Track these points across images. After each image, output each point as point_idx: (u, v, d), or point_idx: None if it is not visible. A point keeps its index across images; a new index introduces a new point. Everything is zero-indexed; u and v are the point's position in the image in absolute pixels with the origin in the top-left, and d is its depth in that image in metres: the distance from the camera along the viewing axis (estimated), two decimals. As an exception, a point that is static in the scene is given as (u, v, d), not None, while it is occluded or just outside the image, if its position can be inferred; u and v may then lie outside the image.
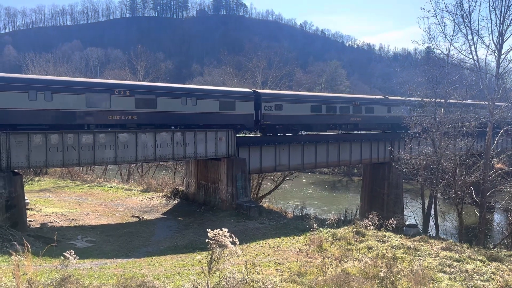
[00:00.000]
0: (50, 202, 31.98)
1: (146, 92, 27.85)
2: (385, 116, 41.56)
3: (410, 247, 20.56)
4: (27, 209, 25.63)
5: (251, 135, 37.96)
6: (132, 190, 38.31)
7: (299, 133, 36.54)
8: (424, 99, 34.78)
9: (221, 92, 32.54)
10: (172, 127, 29.03)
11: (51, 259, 15.37)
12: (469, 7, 30.15)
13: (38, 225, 23.97)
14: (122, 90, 26.58)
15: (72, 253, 10.55)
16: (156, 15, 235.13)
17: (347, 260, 17.69)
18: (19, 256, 9.87)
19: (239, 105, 31.58)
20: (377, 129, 43.15)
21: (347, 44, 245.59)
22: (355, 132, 41.78)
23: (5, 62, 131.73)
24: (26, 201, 25.14)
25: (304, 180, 66.39)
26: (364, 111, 39.91)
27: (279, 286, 13.51)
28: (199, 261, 16.19)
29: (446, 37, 31.49)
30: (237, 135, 32.09)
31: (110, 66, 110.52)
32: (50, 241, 18.24)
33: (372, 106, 40.99)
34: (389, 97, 43.63)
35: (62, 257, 10.72)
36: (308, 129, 37.78)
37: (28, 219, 24.20)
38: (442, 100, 34.02)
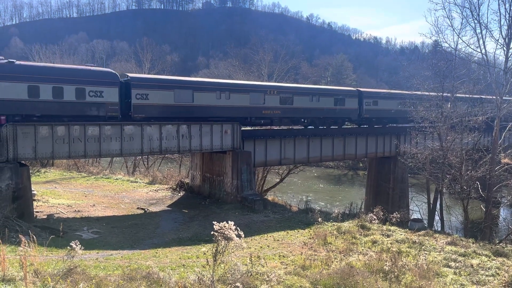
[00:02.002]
0: (56, 193, 32.21)
1: (287, 91, 34.33)
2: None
3: (415, 241, 20.52)
4: (34, 200, 25.83)
5: (256, 128, 37.95)
6: (137, 182, 38.49)
7: (388, 126, 40.30)
8: (431, 93, 34.52)
9: (335, 90, 38.93)
10: (303, 120, 36.27)
11: (58, 250, 15.52)
12: (478, 0, 29.80)
13: (45, 216, 24.17)
14: (271, 90, 33.37)
15: (78, 244, 10.62)
16: (162, 8, 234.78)
17: (352, 254, 17.69)
18: (26, 247, 9.95)
19: (348, 102, 37.63)
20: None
21: (354, 38, 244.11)
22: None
23: (12, 53, 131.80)
24: (32, 192, 25.32)
25: (309, 174, 66.35)
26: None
27: (283, 279, 13.54)
28: (204, 253, 16.26)
29: (454, 31, 31.21)
30: (242, 128, 32.10)
31: (116, 58, 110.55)
32: (57, 232, 18.40)
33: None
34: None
35: (68, 248, 10.80)
36: (393, 122, 42.50)
37: (34, 210, 24.41)
38: (449, 94, 33.75)
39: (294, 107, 34.26)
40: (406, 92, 34.10)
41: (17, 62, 24.18)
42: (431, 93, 34.54)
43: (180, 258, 16.66)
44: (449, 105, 33.48)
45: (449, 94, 33.74)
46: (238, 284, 11.16)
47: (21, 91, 23.22)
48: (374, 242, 20.04)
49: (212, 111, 30.10)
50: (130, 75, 29.25)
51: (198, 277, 11.20)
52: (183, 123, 28.55)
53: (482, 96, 39.95)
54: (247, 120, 32.58)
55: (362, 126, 40.64)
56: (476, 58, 32.05)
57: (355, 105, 38.86)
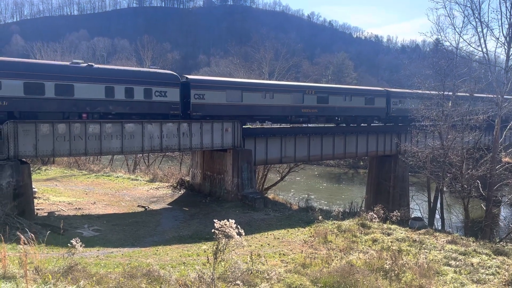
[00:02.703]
0: (57, 191, 32.24)
1: (323, 91, 36.79)
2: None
3: (416, 240, 20.52)
4: (35, 197, 25.87)
5: (257, 127, 37.99)
6: (138, 180, 38.50)
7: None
8: (432, 91, 34.49)
9: (366, 90, 41.08)
10: (337, 118, 38.30)
11: (58, 248, 15.53)
12: (479, -2, 29.73)
13: (46, 214, 24.20)
14: (310, 90, 35.77)
15: (78, 242, 10.63)
16: (163, 5, 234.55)
17: (352, 252, 17.70)
18: (26, 244, 9.96)
19: (377, 101, 39.83)
20: None
21: (355, 36, 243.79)
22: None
23: (13, 51, 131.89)
24: (33, 189, 25.36)
25: (309, 172, 66.35)
26: None
27: (283, 277, 13.56)
28: (205, 251, 16.30)
29: (455, 29, 30.98)
30: (244, 126, 32.12)
31: (117, 56, 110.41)
32: (57, 229, 18.42)
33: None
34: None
35: (69, 245, 10.81)
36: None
37: (35, 207, 24.44)
38: (450, 93, 33.71)
39: (330, 106, 36.55)
40: (432, 92, 34.29)
41: (95, 66, 26.67)
42: (432, 92, 34.51)
43: (180, 256, 16.68)
44: (450, 104, 33.44)
45: (450, 93, 33.70)
46: (238, 282, 11.17)
47: (99, 91, 25.55)
48: (374, 241, 20.04)
49: (258, 110, 32.79)
50: (189, 76, 31.26)
51: (199, 275, 11.21)
52: (183, 121, 28.57)
53: (483, 95, 39.91)
54: (287, 118, 35.16)
55: (388, 124, 42.56)
56: (477, 56, 32.03)
57: (383, 104, 40.99)
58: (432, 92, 34.43)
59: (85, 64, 26.15)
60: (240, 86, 32.75)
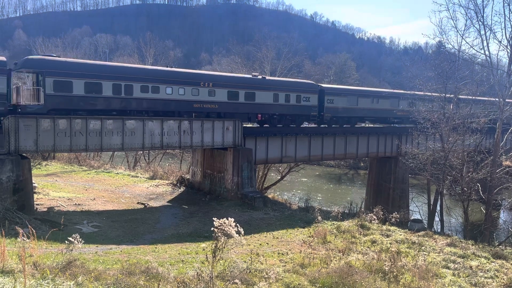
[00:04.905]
0: (57, 186, 32.26)
1: (368, 95, 41.07)
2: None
3: (415, 242, 20.52)
4: (35, 193, 25.88)
5: (258, 126, 37.92)
6: (138, 177, 38.53)
7: None
8: (434, 94, 34.45)
9: (391, 93, 43.40)
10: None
11: (57, 243, 15.52)
12: (482, 1, 29.71)
13: (45, 209, 24.21)
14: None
15: (77, 238, 10.62)
16: (166, 3, 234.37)
17: (351, 253, 17.70)
18: (25, 239, 9.96)
19: (401, 103, 42.14)
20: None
21: (358, 37, 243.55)
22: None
23: (15, 46, 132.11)
24: (33, 185, 25.37)
25: (310, 172, 66.32)
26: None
27: (282, 277, 13.55)
28: (203, 249, 16.28)
29: (457, 32, 31.08)
30: (244, 125, 32.11)
31: (119, 52, 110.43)
32: (57, 225, 18.41)
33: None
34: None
35: (67, 241, 10.80)
36: None
37: (35, 202, 24.46)
38: (452, 95, 33.67)
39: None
40: (433, 94, 34.58)
41: (267, 78, 35.53)
42: (433, 94, 34.46)
43: (179, 253, 16.68)
44: (451, 106, 33.40)
45: (451, 95, 33.66)
46: (236, 280, 11.16)
47: (270, 97, 33.27)
48: (373, 242, 20.04)
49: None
50: (323, 85, 40.19)
51: (197, 273, 11.20)
52: (185, 118, 28.56)
53: (485, 98, 39.86)
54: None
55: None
56: (479, 59, 31.99)
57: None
58: (434, 94, 34.39)
59: (260, 77, 34.42)
60: (357, 93, 40.24)
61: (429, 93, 34.82)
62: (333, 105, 36.91)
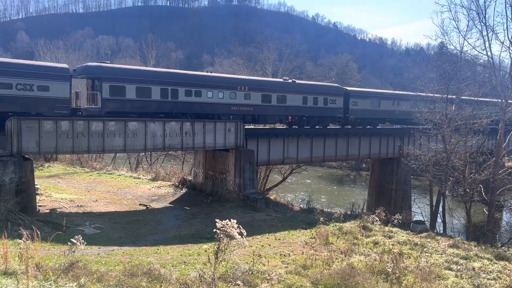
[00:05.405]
0: (59, 188, 32.31)
1: (390, 97, 42.55)
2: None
3: (417, 243, 20.48)
4: (37, 194, 25.93)
5: (260, 127, 38.01)
6: (140, 178, 38.55)
7: None
8: (436, 95, 34.40)
9: (410, 95, 42.81)
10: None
11: (60, 244, 15.54)
12: (485, 2, 29.71)
13: (47, 211, 24.24)
14: (387, 96, 42.14)
15: (80, 239, 10.64)
16: (168, 4, 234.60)
17: (353, 255, 17.67)
18: (28, 241, 9.98)
19: (420, 106, 41.35)
20: None
21: (359, 38, 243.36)
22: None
23: (18, 48, 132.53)
24: (36, 186, 25.42)
25: (311, 174, 66.26)
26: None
27: (284, 278, 13.54)
28: (206, 251, 16.27)
29: (459, 33, 30.95)
30: (246, 127, 32.12)
31: (121, 54, 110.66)
32: (59, 226, 18.45)
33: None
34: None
35: (70, 242, 10.82)
36: None
37: (37, 204, 24.49)
38: (454, 96, 33.61)
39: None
40: (435, 95, 34.80)
41: (297, 81, 36.98)
42: (435, 95, 34.41)
43: (181, 255, 16.68)
44: (453, 107, 33.34)
45: (454, 96, 33.60)
46: (239, 282, 11.16)
47: (299, 100, 34.80)
48: (375, 243, 20.00)
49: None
50: (348, 88, 41.29)
51: (199, 274, 11.21)
52: (186, 120, 28.60)
53: (487, 99, 39.84)
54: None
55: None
56: (481, 60, 31.93)
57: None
58: (436, 95, 34.34)
59: (291, 81, 35.99)
60: (379, 95, 41.72)
61: (431, 94, 34.82)
62: (357, 107, 38.65)
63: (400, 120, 43.31)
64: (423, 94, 36.87)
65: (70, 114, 24.81)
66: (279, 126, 38.65)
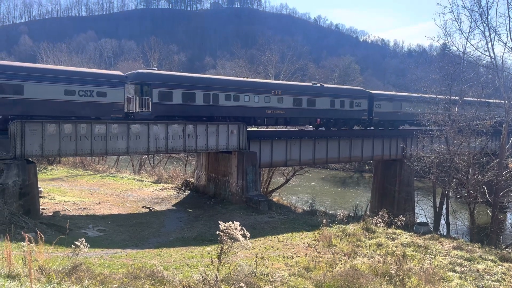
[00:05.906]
0: (62, 190, 32.37)
1: (411, 100, 41.85)
2: None
3: (421, 245, 20.40)
4: (40, 197, 25.97)
5: (262, 129, 38.02)
6: (143, 181, 38.58)
7: None
8: (439, 96, 34.34)
9: (430, 98, 43.02)
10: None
11: (63, 247, 15.57)
12: (487, 3, 29.60)
13: (51, 213, 24.29)
14: (408, 98, 42.11)
15: (83, 242, 10.65)
16: (170, 7, 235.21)
17: (356, 257, 17.62)
18: (31, 244, 9.99)
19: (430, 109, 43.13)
20: None
21: (361, 39, 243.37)
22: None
23: (21, 51, 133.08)
24: (39, 189, 25.46)
25: (314, 175, 66.19)
26: None
27: (287, 280, 13.51)
28: (209, 253, 16.27)
29: (462, 34, 31.14)
30: (248, 129, 32.12)
31: (123, 57, 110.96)
32: (62, 229, 18.48)
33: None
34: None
35: (73, 245, 10.83)
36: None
37: (41, 207, 24.55)
38: (457, 98, 33.54)
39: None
40: (438, 96, 34.86)
41: (325, 85, 38.49)
42: (438, 96, 34.35)
43: (184, 257, 16.68)
44: (456, 109, 33.27)
45: (457, 98, 33.53)
46: (242, 284, 11.14)
47: (327, 103, 36.27)
48: (379, 245, 19.95)
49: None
50: (372, 91, 42.21)
51: (202, 276, 11.20)
52: (189, 122, 28.64)
53: (490, 100, 39.76)
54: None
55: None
56: (484, 61, 31.87)
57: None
58: (439, 96, 34.27)
59: (319, 85, 37.56)
60: (400, 98, 43.05)
61: (434, 95, 34.75)
62: (380, 109, 40.16)
63: (419, 122, 43.43)
64: (426, 95, 36.83)
65: (124, 118, 26.33)
66: (308, 127, 39.78)
